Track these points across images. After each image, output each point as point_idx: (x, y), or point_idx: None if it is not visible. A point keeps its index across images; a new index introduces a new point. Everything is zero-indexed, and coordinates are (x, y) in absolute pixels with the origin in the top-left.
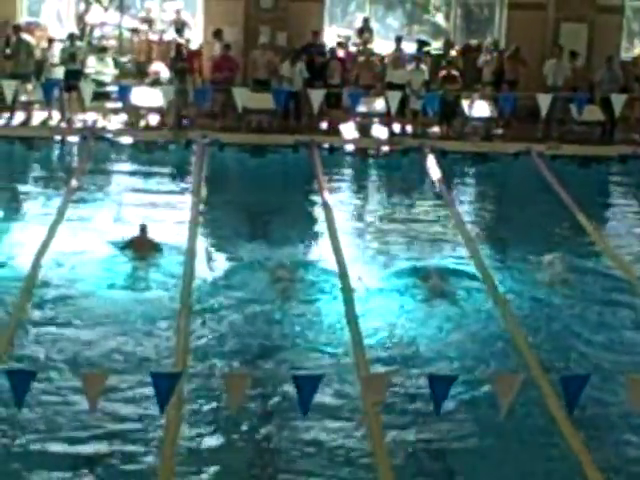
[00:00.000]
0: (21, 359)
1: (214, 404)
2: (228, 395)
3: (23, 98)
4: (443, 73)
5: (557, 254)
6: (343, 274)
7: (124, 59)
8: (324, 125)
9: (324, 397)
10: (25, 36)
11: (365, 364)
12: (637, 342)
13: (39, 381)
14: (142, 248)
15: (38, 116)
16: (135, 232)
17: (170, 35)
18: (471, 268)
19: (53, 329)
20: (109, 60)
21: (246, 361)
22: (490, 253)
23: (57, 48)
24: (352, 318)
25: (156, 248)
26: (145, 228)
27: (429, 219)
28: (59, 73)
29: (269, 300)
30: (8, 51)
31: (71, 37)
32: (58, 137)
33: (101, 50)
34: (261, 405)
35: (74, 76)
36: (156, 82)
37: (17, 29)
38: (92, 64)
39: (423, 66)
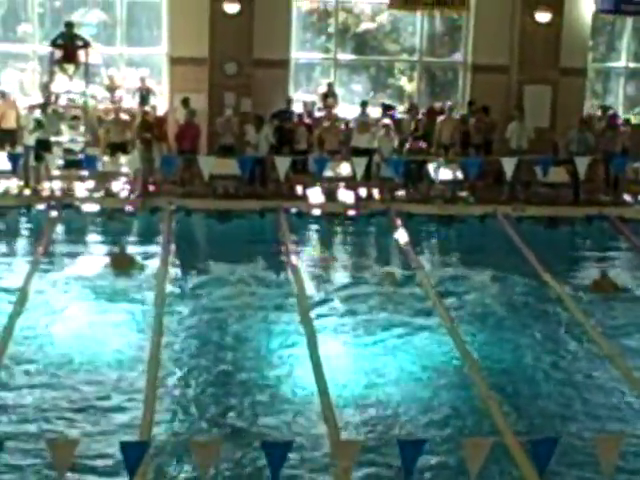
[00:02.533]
0: None
1: (183, 470)
2: (198, 462)
3: None
4: (409, 146)
5: (524, 314)
6: (312, 338)
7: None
8: (291, 190)
9: (294, 462)
10: None
11: (336, 429)
12: (603, 402)
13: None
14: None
15: (4, 185)
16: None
17: (135, 102)
18: (440, 328)
19: (18, 399)
20: (81, 128)
21: (216, 426)
22: (458, 314)
23: (30, 116)
24: (322, 382)
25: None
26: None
27: (396, 281)
28: (31, 141)
29: (237, 364)
30: None
31: (43, 107)
32: (24, 206)
33: (73, 118)
34: (231, 471)
35: (44, 146)
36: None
37: None
38: (64, 132)
39: (392, 133)
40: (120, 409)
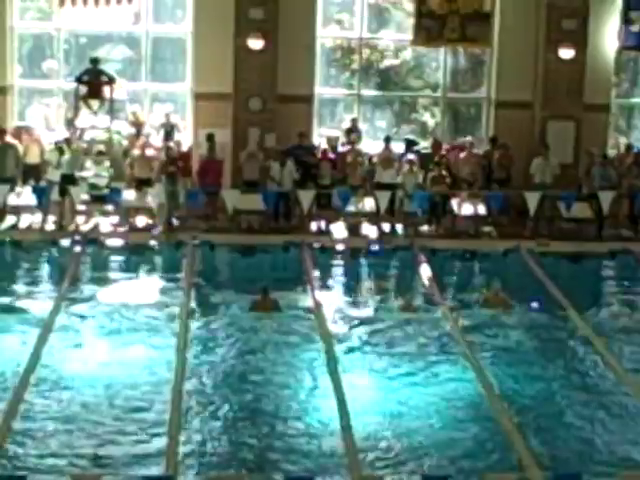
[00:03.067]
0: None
1: None
2: None
3: (12, 202)
4: (432, 174)
5: (549, 351)
6: (334, 372)
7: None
8: (314, 225)
9: None
10: (10, 139)
11: (358, 463)
12: (626, 436)
13: None
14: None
15: (29, 219)
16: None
17: (159, 138)
18: (463, 363)
19: (42, 433)
20: (107, 163)
21: (239, 461)
22: (481, 348)
23: (54, 151)
24: (345, 416)
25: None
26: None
27: (420, 318)
28: (56, 176)
29: (260, 398)
30: None
31: (68, 142)
32: (49, 240)
33: (97, 154)
34: None
35: (69, 180)
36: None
37: (2, 133)
38: (89, 167)
39: (415, 168)
40: (144, 443)
